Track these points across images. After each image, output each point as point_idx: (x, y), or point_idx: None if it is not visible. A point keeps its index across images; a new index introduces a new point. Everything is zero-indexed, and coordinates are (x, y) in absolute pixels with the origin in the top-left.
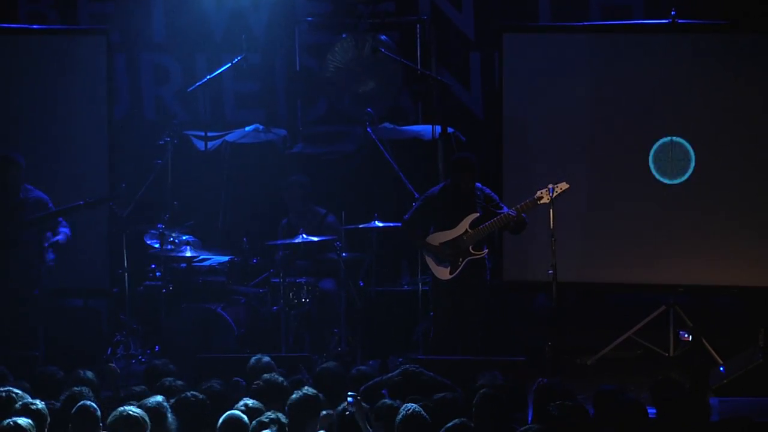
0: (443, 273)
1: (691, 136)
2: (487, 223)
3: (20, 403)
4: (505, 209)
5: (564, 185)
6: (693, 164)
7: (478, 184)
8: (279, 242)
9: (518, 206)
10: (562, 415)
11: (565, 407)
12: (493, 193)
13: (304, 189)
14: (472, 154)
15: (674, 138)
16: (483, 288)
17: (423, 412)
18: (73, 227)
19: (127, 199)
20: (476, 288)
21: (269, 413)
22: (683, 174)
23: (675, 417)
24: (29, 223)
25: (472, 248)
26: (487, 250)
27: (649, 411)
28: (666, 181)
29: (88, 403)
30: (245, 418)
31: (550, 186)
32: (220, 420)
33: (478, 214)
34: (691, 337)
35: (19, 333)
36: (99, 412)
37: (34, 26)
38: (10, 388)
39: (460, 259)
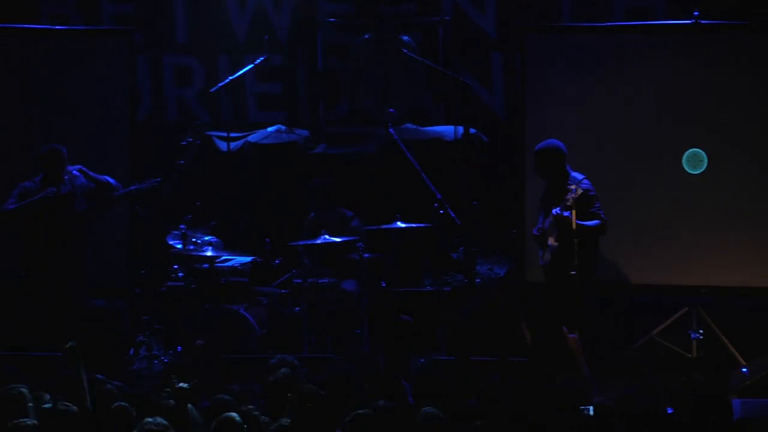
0: (540, 258)
1: (713, 137)
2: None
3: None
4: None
5: (579, 190)
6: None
7: (577, 175)
8: (300, 243)
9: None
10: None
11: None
12: (590, 193)
13: (327, 191)
14: (554, 141)
15: (695, 149)
16: (570, 282)
17: (440, 414)
18: (95, 228)
19: (150, 200)
20: (561, 281)
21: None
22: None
23: (697, 417)
24: (86, 212)
25: (552, 240)
26: (555, 244)
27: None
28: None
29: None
30: (238, 417)
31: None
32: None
33: (553, 210)
34: (702, 337)
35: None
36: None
37: (57, 27)
38: (17, 386)
39: (545, 249)
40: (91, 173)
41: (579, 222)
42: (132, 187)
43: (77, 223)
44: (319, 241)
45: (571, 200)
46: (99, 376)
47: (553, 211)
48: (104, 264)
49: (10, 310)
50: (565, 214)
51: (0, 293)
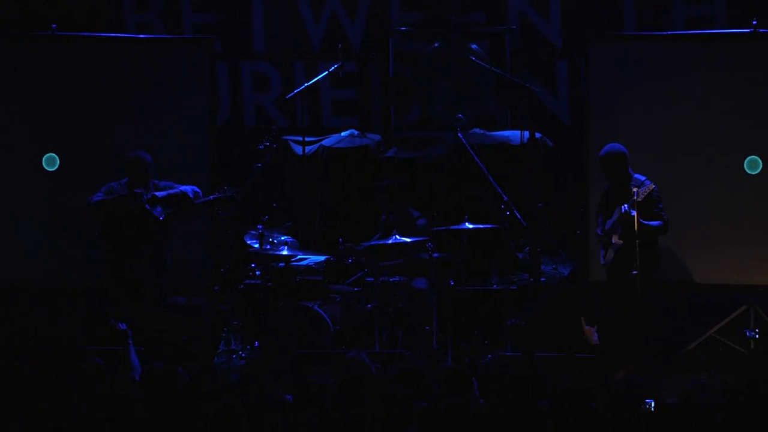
0: (602, 257)
1: None
2: (616, 217)
3: None
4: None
5: (650, 186)
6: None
7: (639, 177)
8: (372, 243)
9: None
10: None
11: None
12: (655, 193)
13: (395, 192)
14: (617, 145)
15: (753, 156)
16: (632, 282)
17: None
18: (178, 228)
19: (228, 205)
20: (626, 282)
21: None
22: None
23: (754, 413)
24: (167, 198)
25: (616, 237)
26: (619, 242)
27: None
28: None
29: None
30: None
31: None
32: None
33: (622, 208)
34: (757, 335)
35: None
36: None
37: (141, 36)
38: None
39: (608, 248)
40: (164, 193)
41: (641, 221)
42: (211, 197)
43: (158, 225)
44: (390, 241)
45: (641, 197)
46: (180, 369)
47: (622, 208)
48: (186, 263)
49: (95, 308)
50: (632, 212)
51: (85, 291)
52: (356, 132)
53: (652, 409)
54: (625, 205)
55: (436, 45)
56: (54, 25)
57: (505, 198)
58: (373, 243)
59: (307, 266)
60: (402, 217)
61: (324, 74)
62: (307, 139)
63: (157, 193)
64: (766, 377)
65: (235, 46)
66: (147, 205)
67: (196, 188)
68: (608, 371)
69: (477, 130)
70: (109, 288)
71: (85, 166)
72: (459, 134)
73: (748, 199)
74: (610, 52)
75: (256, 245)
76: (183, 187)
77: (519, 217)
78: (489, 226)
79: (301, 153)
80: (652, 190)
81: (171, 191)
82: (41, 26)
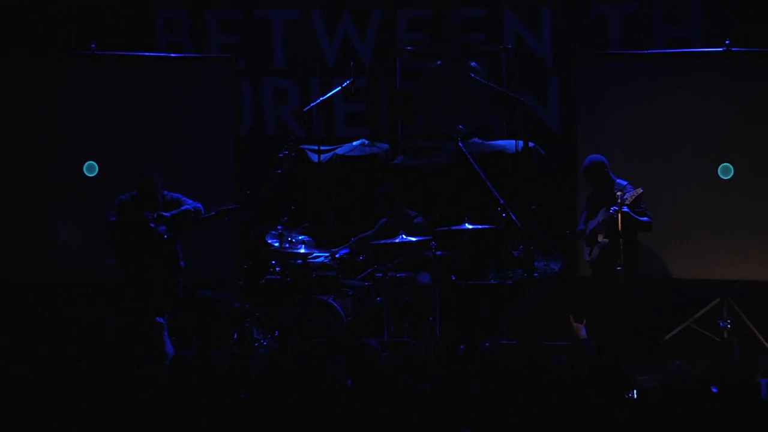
0: (587, 255)
1: (742, 152)
2: (601, 218)
3: None
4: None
5: (639, 191)
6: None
7: (621, 182)
8: (382, 242)
9: (618, 205)
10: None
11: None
12: (639, 199)
13: (392, 197)
14: (596, 156)
15: (725, 164)
16: (619, 278)
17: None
18: (204, 229)
19: (251, 205)
20: (611, 277)
21: None
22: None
23: (727, 397)
24: (171, 218)
25: (602, 237)
26: (606, 240)
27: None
28: (723, 177)
29: None
30: None
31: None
32: None
33: (611, 209)
34: (729, 325)
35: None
36: None
37: (172, 54)
38: None
39: (594, 246)
40: (170, 214)
41: (635, 216)
42: (212, 212)
43: (162, 240)
44: (397, 240)
45: (630, 200)
46: (213, 353)
47: (611, 209)
48: (213, 260)
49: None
50: (625, 209)
51: (103, 292)
52: (366, 141)
53: (635, 397)
54: (615, 207)
55: (439, 63)
56: (93, 45)
57: (502, 201)
58: (381, 242)
59: (322, 263)
60: (401, 217)
61: (337, 89)
62: (322, 148)
63: (164, 213)
64: (735, 366)
65: (258, 64)
66: (152, 224)
67: (198, 205)
68: (594, 362)
69: (476, 139)
70: (126, 290)
71: (121, 173)
72: (460, 143)
73: (721, 202)
74: (597, 69)
75: (276, 244)
76: (186, 206)
77: (514, 218)
78: (487, 226)
79: (316, 160)
80: (640, 194)
81: (175, 211)
82: (82, 46)
